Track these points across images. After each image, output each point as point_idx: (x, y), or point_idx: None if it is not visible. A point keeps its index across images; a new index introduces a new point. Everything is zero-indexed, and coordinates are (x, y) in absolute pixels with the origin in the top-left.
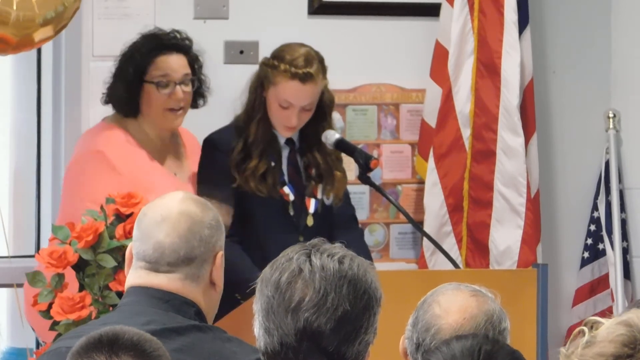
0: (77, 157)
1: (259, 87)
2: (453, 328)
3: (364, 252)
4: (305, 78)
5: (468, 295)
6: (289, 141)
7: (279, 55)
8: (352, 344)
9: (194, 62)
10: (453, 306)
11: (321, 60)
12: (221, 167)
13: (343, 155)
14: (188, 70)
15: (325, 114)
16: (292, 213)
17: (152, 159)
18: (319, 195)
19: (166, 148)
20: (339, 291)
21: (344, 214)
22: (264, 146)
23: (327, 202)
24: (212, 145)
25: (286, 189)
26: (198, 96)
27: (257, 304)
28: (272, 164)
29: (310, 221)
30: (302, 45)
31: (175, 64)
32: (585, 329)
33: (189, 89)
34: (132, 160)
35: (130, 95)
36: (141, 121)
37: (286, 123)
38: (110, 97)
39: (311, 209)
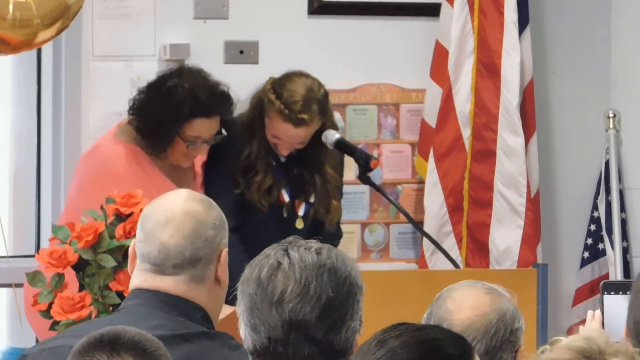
0: (93, 177)
1: (258, 107)
2: (465, 324)
3: None
4: (298, 123)
5: (482, 293)
6: None
7: (278, 90)
8: (340, 331)
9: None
10: (466, 302)
11: (321, 101)
12: (227, 155)
13: (343, 155)
14: (218, 128)
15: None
16: (285, 215)
17: (166, 179)
18: (311, 200)
19: (177, 167)
20: (320, 279)
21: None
22: (267, 160)
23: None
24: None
25: (283, 192)
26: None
27: (240, 306)
28: (274, 163)
29: (300, 224)
30: (306, 79)
31: (209, 127)
32: (548, 347)
33: (212, 142)
34: (149, 181)
35: (160, 138)
36: None
37: (278, 149)
38: (140, 125)
39: (301, 212)
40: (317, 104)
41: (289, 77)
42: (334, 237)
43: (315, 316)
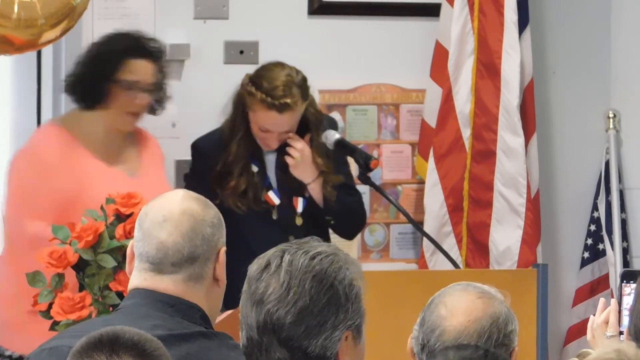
0: (16, 158)
1: (240, 106)
2: (457, 330)
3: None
4: (282, 109)
5: (474, 297)
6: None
7: (257, 81)
8: (315, 338)
9: (161, 72)
10: (458, 308)
11: (301, 84)
12: (202, 175)
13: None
14: (155, 79)
15: (311, 130)
16: (275, 217)
17: (96, 159)
18: (307, 194)
19: (118, 147)
20: (302, 285)
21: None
22: (244, 163)
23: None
24: (195, 152)
25: (271, 194)
26: (157, 104)
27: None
28: (255, 169)
29: (299, 221)
30: (282, 67)
31: (145, 70)
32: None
33: (150, 97)
34: (71, 160)
35: (96, 88)
36: (97, 116)
37: (266, 143)
38: (74, 84)
39: (299, 209)
40: (298, 87)
41: (265, 67)
42: (346, 196)
43: (290, 321)
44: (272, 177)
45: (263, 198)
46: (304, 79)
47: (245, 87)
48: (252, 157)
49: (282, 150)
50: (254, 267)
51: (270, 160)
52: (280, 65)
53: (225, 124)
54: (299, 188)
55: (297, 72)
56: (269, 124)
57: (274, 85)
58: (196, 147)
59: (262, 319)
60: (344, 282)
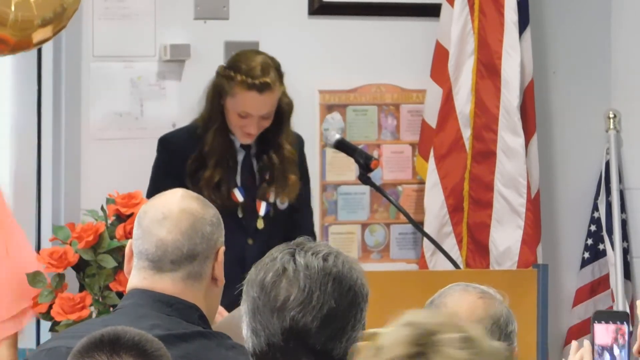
0: None
1: (216, 96)
2: None
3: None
4: (262, 88)
5: (475, 298)
6: (246, 145)
7: (234, 65)
8: (340, 341)
9: None
10: (460, 309)
11: (277, 68)
12: (170, 169)
13: (343, 155)
14: None
15: (283, 118)
16: (240, 215)
17: None
18: (272, 199)
19: None
20: (324, 289)
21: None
22: (219, 155)
23: (281, 206)
24: (162, 146)
25: (236, 192)
26: None
27: (244, 306)
28: (228, 165)
29: (260, 224)
30: (257, 52)
31: None
32: (369, 344)
33: None
34: None
35: None
36: None
37: (245, 131)
38: None
39: (261, 212)
40: (274, 70)
41: (239, 53)
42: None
43: (316, 326)
44: (239, 176)
45: (231, 197)
46: (279, 64)
47: (223, 73)
48: (225, 158)
49: (249, 150)
50: (269, 274)
51: (240, 159)
52: (254, 50)
53: (197, 120)
54: (262, 192)
55: (272, 57)
56: (249, 106)
57: (252, 66)
58: (168, 140)
59: (288, 325)
60: (357, 282)
